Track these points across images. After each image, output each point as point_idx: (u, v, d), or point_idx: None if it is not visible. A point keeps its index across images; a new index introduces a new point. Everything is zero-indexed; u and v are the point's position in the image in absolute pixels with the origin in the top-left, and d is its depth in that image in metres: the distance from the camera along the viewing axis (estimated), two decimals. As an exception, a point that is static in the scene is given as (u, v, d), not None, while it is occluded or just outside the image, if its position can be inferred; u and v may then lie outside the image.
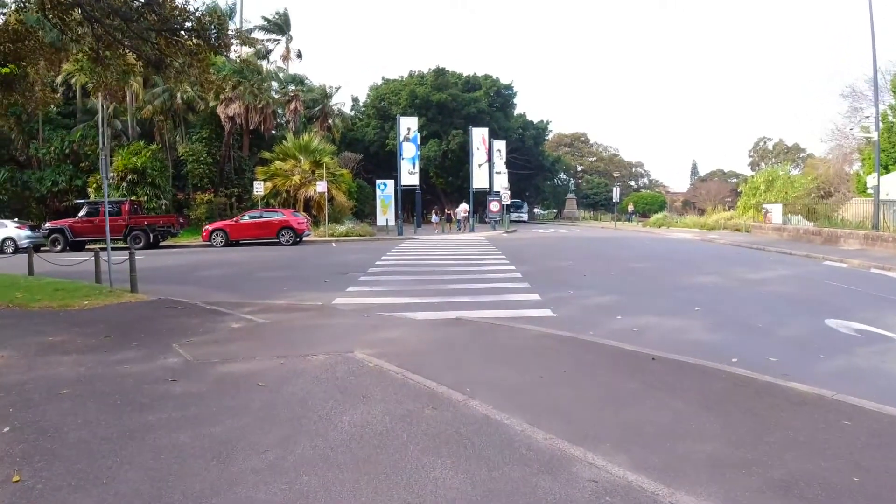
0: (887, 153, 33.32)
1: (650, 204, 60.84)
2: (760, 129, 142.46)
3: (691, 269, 15.54)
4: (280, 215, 25.42)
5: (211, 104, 36.27)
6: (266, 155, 33.75)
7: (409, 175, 32.42)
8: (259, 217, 25.57)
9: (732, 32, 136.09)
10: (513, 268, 14.79)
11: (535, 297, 10.62)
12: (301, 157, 32.49)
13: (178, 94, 36.04)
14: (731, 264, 16.68)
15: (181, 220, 32.38)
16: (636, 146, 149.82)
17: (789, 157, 73.90)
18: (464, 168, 54.61)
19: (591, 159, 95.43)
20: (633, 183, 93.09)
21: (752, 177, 49.02)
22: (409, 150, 32.40)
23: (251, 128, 37.90)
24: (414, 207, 41.87)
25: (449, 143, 52.35)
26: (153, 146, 33.43)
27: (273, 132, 41.34)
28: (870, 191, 30.42)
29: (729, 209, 53.95)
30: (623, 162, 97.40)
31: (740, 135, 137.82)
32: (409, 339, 7.16)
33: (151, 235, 24.72)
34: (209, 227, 25.51)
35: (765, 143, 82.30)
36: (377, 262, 16.43)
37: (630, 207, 52.91)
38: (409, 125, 32.89)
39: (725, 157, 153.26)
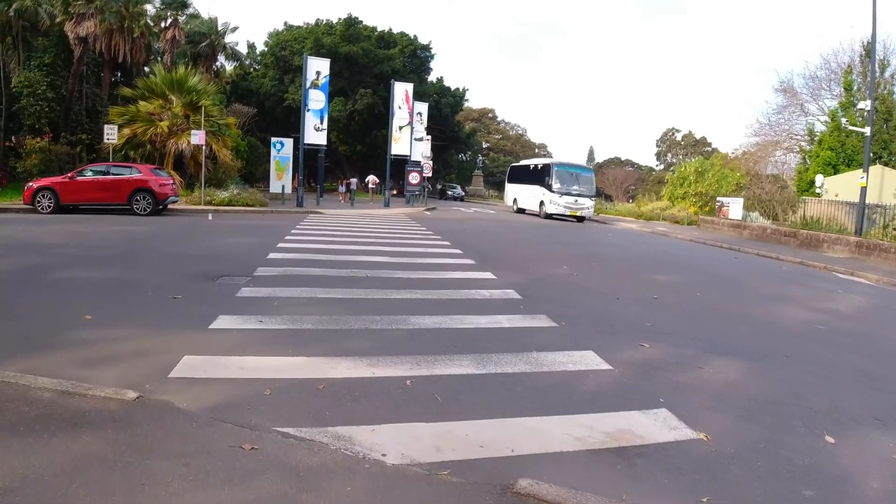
0: (836, 152, 31.15)
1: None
2: (662, 120, 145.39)
3: (739, 288, 11.22)
4: (135, 172, 18.29)
5: (58, 20, 27.78)
6: (126, 92, 25.80)
7: (316, 132, 25.75)
8: (105, 173, 18.28)
9: (644, 25, 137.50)
10: (492, 276, 9.45)
11: (596, 359, 5.40)
12: (173, 98, 24.87)
13: (14, 5, 27.30)
14: (765, 279, 12.58)
15: (-3, 174, 24.36)
16: (541, 127, 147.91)
17: (697, 150, 73.92)
18: (371, 134, 48.35)
19: (496, 137, 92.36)
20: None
21: (681, 166, 46.79)
22: (317, 100, 25.67)
23: (116, 59, 29.67)
24: (314, 173, 35.06)
25: (356, 103, 45.90)
26: (-28, 73, 24.65)
27: (146, 69, 33.06)
28: (818, 191, 28.08)
29: (633, 197, 51.68)
30: (529, 142, 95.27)
31: (639, 125, 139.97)
32: None
33: (-50, 193, 17.03)
34: (34, 185, 17.89)
35: (673, 133, 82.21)
36: (273, 254, 10.48)
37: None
38: (318, 68, 26.11)
39: (622, 145, 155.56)
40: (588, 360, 5.36)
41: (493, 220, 25.71)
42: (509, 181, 35.13)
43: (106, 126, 22.08)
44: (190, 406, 3.74)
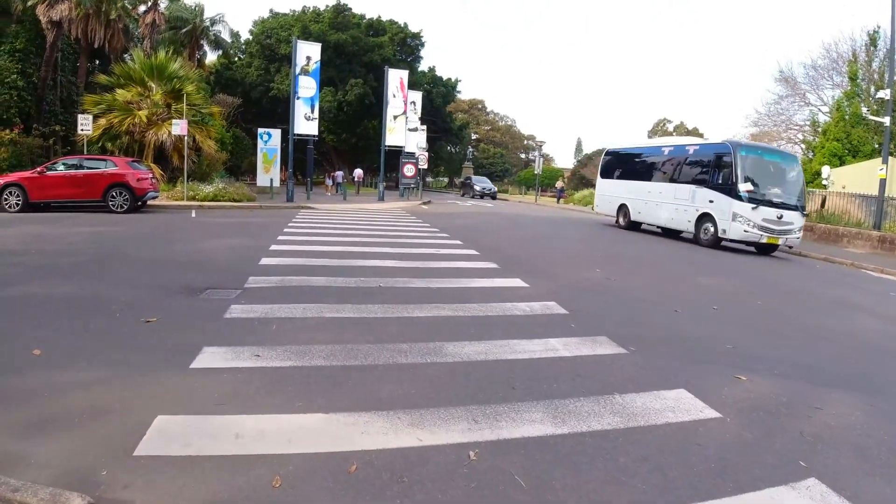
0: (842, 143, 30.20)
1: (552, 179, 57.06)
2: (653, 111, 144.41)
3: (792, 293, 10.15)
4: (110, 166, 16.75)
5: (30, 2, 26.01)
6: (102, 79, 24.12)
7: (307, 122, 24.17)
8: (78, 167, 16.71)
9: (636, 13, 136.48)
10: (523, 284, 8.18)
11: (694, 402, 4.21)
12: (152, 85, 23.25)
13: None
14: (809, 281, 11.64)
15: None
16: (530, 118, 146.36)
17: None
18: (361, 124, 46.78)
19: (486, 128, 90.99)
20: (523, 155, 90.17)
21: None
22: (307, 87, 24.10)
23: (93, 45, 27.99)
24: (302, 166, 33.39)
25: (346, 93, 44.32)
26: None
27: (125, 56, 31.37)
28: (824, 182, 27.15)
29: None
30: (519, 133, 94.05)
31: (630, 115, 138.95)
32: None
33: None
34: (0, 181, 16.31)
35: (665, 124, 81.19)
36: (266, 259, 9.16)
37: (559, 184, 47.77)
38: (308, 53, 24.57)
39: (612, 136, 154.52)
40: (686, 404, 4.14)
41: (491, 213, 24.47)
42: (604, 175, 21.86)
43: (80, 116, 20.51)
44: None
